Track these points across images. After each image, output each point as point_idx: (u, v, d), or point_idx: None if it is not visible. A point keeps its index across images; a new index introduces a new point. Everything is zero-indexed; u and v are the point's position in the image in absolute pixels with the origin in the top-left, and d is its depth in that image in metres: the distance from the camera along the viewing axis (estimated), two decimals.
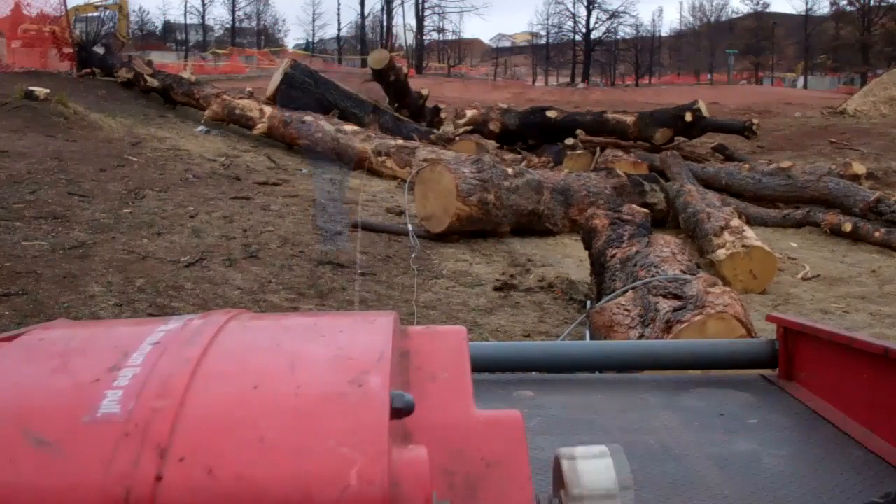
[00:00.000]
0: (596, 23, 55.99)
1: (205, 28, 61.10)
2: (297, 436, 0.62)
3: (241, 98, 11.98)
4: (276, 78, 12.38)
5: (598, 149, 12.19)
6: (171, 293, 4.72)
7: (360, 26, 58.38)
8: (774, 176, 10.10)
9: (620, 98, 27.41)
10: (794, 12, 58.79)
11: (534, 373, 1.93)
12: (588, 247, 5.46)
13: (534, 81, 56.97)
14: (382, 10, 57.55)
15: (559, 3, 57.96)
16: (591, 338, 4.20)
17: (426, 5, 56.25)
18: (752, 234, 6.58)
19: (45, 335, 0.86)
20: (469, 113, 13.86)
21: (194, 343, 0.75)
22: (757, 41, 55.52)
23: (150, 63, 15.09)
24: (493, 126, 13.51)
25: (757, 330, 3.60)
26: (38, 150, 8.01)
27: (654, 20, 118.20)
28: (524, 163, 10.70)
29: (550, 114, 13.51)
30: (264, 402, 0.67)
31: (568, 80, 56.56)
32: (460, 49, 64.36)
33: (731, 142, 14.76)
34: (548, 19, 61.59)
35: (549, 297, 5.43)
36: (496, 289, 5.50)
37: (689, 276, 4.05)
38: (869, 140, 16.18)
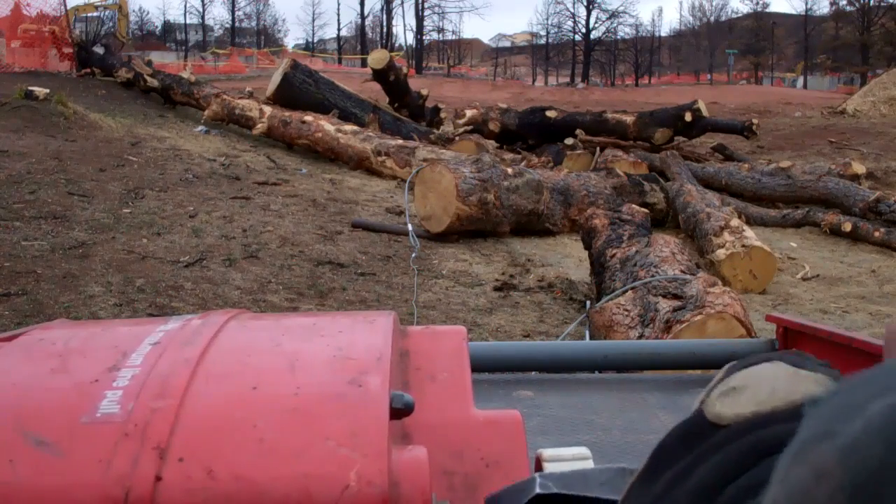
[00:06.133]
0: (596, 23, 56.03)
1: (204, 28, 61.11)
2: (296, 436, 0.62)
3: (240, 98, 11.97)
4: (276, 78, 12.37)
5: (598, 149, 12.19)
6: (170, 293, 4.72)
7: (360, 26, 58.38)
8: (774, 176, 10.09)
9: (620, 98, 27.41)
10: (793, 12, 58.92)
11: (534, 373, 1.93)
12: (588, 247, 5.46)
13: (533, 81, 57.01)
14: (382, 10, 57.59)
15: (559, 3, 58.04)
16: (591, 338, 4.20)
17: (426, 5, 56.27)
18: (751, 234, 6.58)
19: (45, 335, 0.86)
20: (469, 113, 13.85)
21: (194, 343, 0.75)
22: (757, 41, 55.54)
23: (149, 63, 15.09)
24: (493, 126, 13.50)
25: (757, 330, 3.61)
26: (37, 150, 8.01)
27: (653, 20, 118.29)
28: (524, 163, 10.69)
29: (550, 114, 13.50)
30: (264, 402, 0.67)
31: (568, 80, 56.60)
32: (460, 49, 64.36)
33: (731, 142, 14.76)
34: (547, 19, 61.67)
35: (549, 297, 5.43)
36: (496, 289, 5.49)
37: (688, 276, 4.05)
38: (868, 140, 16.18)
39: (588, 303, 5.04)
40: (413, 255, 5.95)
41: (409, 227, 6.64)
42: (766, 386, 0.42)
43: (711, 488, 0.36)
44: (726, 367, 0.53)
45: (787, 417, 0.38)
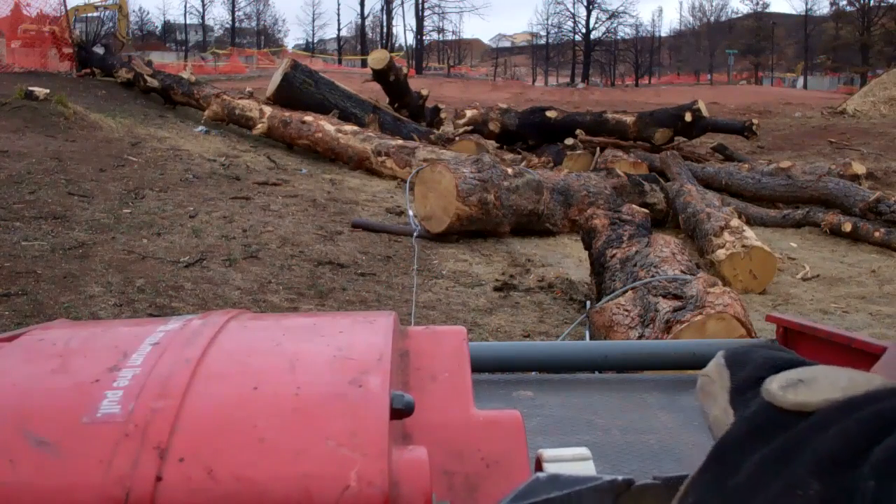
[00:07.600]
0: (596, 23, 56.05)
1: (204, 28, 61.12)
2: (296, 436, 0.62)
3: (240, 98, 11.97)
4: (276, 78, 12.37)
5: (598, 149, 12.19)
6: (170, 293, 4.72)
7: (360, 26, 58.38)
8: (774, 176, 10.10)
9: (620, 98, 27.40)
10: (793, 12, 58.98)
11: (533, 373, 1.92)
12: (588, 247, 5.46)
13: (533, 81, 57.03)
14: (382, 10, 57.59)
15: (559, 3, 58.10)
16: (591, 338, 4.20)
17: (426, 5, 56.26)
18: (751, 235, 6.58)
19: (45, 335, 0.86)
20: (469, 113, 13.85)
21: (194, 343, 0.75)
22: (757, 41, 55.55)
23: (149, 63, 15.09)
24: (493, 126, 13.51)
25: (757, 330, 3.61)
26: (37, 150, 8.01)
27: (653, 20, 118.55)
28: (524, 163, 10.70)
29: (550, 114, 13.51)
30: (264, 402, 0.67)
31: (568, 80, 56.61)
32: (460, 49, 64.38)
33: (731, 142, 14.77)
34: (548, 19, 61.80)
35: (549, 297, 5.43)
36: (496, 289, 5.49)
37: (688, 276, 4.05)
38: (869, 140, 16.18)
39: (588, 303, 5.04)
40: (414, 235, 5.93)
41: (410, 213, 6.64)
42: (842, 376, 0.43)
43: (846, 456, 0.37)
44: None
45: (890, 396, 0.40)
